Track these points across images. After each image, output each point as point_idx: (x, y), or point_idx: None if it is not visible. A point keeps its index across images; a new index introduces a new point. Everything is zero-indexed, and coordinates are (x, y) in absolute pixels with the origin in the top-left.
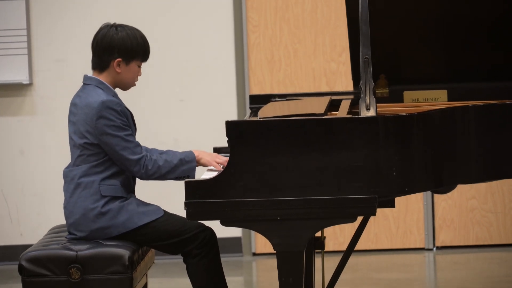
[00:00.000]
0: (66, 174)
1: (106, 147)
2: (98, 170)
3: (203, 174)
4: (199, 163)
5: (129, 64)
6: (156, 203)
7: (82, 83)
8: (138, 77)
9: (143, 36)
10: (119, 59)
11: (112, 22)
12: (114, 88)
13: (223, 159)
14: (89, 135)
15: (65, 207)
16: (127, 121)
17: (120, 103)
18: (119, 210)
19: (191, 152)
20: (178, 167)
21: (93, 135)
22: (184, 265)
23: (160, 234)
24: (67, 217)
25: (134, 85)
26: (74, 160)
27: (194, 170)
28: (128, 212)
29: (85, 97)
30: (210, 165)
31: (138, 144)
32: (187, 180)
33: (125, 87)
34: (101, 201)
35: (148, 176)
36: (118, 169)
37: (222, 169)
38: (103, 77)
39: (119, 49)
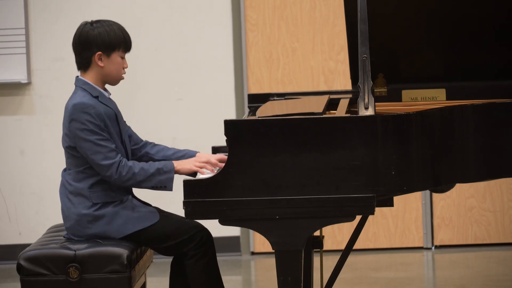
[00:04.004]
0: (62, 176)
1: (80, 151)
2: (86, 175)
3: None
4: (178, 173)
5: (110, 56)
6: (155, 201)
7: None
8: (125, 69)
9: (121, 27)
10: (99, 53)
11: (89, 20)
12: (103, 84)
13: (202, 160)
14: (68, 138)
15: (61, 210)
16: (102, 124)
17: (94, 105)
18: (113, 216)
19: (170, 163)
20: (155, 176)
21: (70, 138)
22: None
23: (157, 237)
24: (64, 220)
25: (122, 78)
26: (66, 164)
27: (171, 181)
28: (122, 218)
29: (69, 100)
30: (192, 172)
31: (112, 149)
32: (185, 179)
33: (113, 81)
34: (94, 207)
35: (122, 181)
36: None
37: (207, 168)
38: (89, 76)
39: (97, 43)
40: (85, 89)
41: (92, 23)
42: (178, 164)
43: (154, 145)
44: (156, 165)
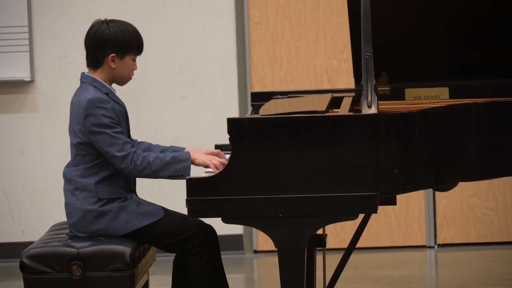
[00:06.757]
0: (65, 174)
1: (96, 144)
2: (94, 171)
3: (202, 173)
4: (193, 163)
5: (123, 59)
6: (157, 201)
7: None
8: (134, 71)
9: (136, 30)
10: (113, 55)
11: (103, 18)
12: (111, 83)
13: (220, 160)
14: (81, 134)
15: (65, 207)
16: (116, 118)
17: (109, 100)
18: (118, 212)
19: (186, 152)
20: (171, 165)
21: (84, 134)
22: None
23: (160, 234)
24: (67, 217)
25: (131, 79)
26: (72, 160)
27: (188, 169)
28: (127, 214)
29: (78, 96)
30: (205, 165)
31: (127, 142)
32: (188, 177)
33: (121, 82)
34: (99, 203)
35: (137, 171)
36: (115, 170)
37: (217, 171)
38: (98, 74)
39: (112, 45)
40: (96, 86)
41: (107, 22)
42: (194, 154)
43: (139, 142)
44: (171, 153)
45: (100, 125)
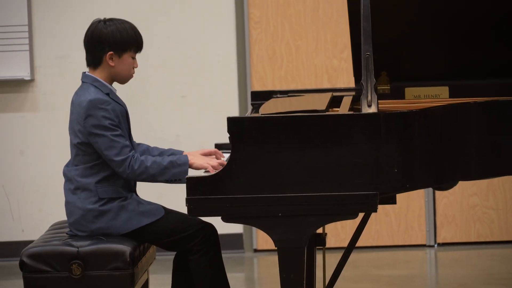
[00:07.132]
0: (65, 173)
1: (95, 146)
2: (94, 171)
3: (202, 172)
4: (191, 167)
5: (122, 57)
6: (157, 201)
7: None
8: (135, 69)
9: (134, 27)
10: (111, 53)
11: (102, 18)
12: (112, 82)
13: (218, 161)
14: (81, 135)
15: (65, 206)
16: (116, 120)
17: (110, 101)
18: (118, 211)
19: (184, 156)
20: (169, 169)
21: (83, 134)
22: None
23: (161, 232)
24: (67, 215)
25: (132, 77)
26: (72, 160)
27: (186, 173)
28: (127, 213)
29: (79, 96)
30: (203, 168)
31: (126, 145)
32: (188, 176)
33: (122, 80)
34: (100, 202)
35: (135, 176)
36: (114, 170)
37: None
38: (98, 73)
39: (109, 43)
40: (96, 86)
41: (105, 21)
42: (191, 158)
43: (138, 144)
44: (169, 158)
45: (100, 127)
